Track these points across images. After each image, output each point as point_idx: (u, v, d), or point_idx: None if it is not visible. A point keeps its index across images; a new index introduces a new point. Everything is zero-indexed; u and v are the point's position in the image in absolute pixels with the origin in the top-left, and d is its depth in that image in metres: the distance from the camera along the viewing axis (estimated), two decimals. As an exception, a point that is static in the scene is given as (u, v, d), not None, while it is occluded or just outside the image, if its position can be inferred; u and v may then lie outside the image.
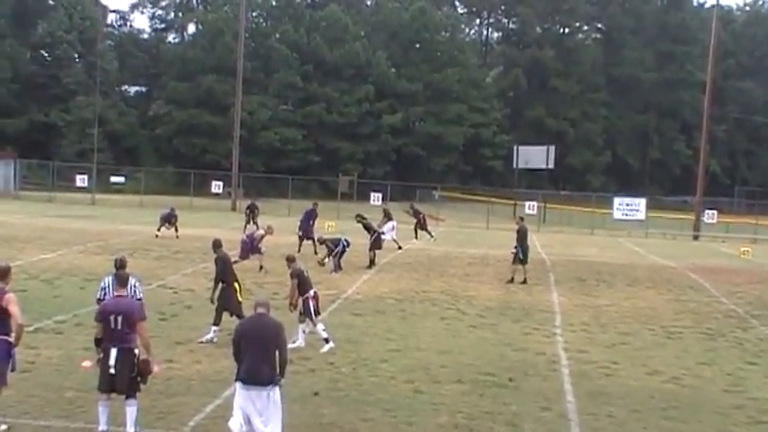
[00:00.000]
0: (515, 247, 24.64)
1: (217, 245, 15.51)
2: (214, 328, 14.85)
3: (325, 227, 36.03)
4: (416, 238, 37.79)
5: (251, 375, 9.16)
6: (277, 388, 9.31)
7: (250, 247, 24.35)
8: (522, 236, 24.83)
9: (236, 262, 23.40)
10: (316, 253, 27.89)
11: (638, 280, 27.11)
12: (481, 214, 58.46)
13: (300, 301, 14.79)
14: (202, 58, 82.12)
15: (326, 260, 25.30)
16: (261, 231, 24.98)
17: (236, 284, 14.95)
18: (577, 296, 22.51)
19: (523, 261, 24.58)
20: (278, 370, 9.37)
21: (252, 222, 37.88)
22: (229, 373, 10.45)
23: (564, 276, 26.94)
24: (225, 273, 14.93)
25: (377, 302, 19.86)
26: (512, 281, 24.29)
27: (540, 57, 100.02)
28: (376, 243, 27.23)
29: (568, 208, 66.16)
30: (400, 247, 31.83)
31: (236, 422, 9.23)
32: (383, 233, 28.68)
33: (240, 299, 14.84)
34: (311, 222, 30.10)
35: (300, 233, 29.70)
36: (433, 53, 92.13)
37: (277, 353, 9.34)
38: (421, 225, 38.27)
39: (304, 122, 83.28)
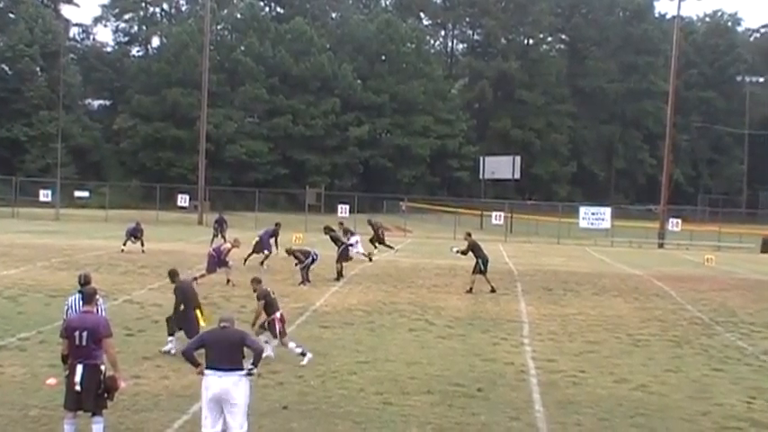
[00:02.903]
0: (476, 259, 24.81)
1: (173, 274, 15.40)
2: (170, 338, 14.84)
3: (293, 239, 35.91)
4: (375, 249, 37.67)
5: (218, 364, 9.39)
6: (245, 379, 9.49)
7: (217, 260, 24.21)
8: (475, 249, 24.95)
9: (202, 275, 23.36)
10: (261, 264, 28.10)
11: (604, 288, 27.28)
12: (448, 225, 58.64)
13: (267, 323, 14.72)
14: (167, 71, 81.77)
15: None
16: (227, 245, 24.84)
17: (198, 311, 14.74)
18: (545, 305, 22.60)
19: (483, 272, 24.72)
20: (252, 361, 9.63)
21: (220, 236, 37.73)
22: (197, 388, 10.38)
23: (531, 286, 27.04)
24: (186, 302, 14.78)
25: (345, 314, 19.82)
26: (470, 291, 24.37)
27: (506, 68, 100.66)
28: (343, 255, 27.17)
29: (535, 218, 66.56)
30: (370, 259, 31.82)
31: (206, 422, 9.34)
32: (351, 245, 28.60)
33: (203, 323, 14.49)
34: (271, 239, 29.98)
35: (255, 246, 29.45)
36: (398, 65, 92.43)
37: (245, 352, 9.55)
38: (378, 238, 38.06)
39: (270, 135, 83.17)
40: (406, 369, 14.34)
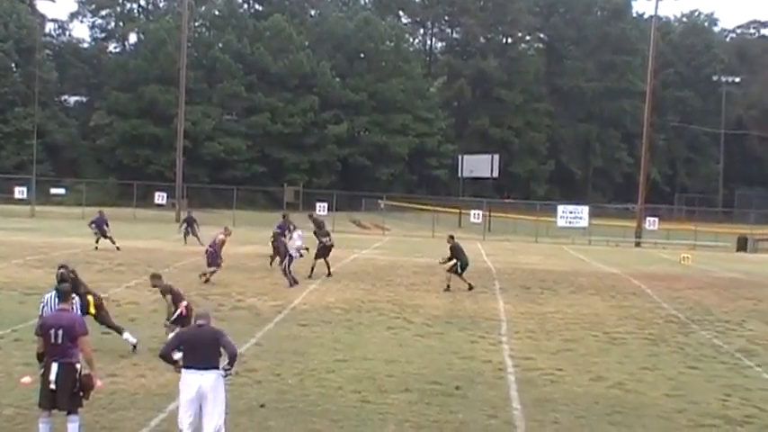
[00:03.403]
0: (452, 262, 24.86)
1: (155, 278, 15.26)
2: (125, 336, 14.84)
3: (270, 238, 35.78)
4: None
5: (196, 363, 9.34)
6: (222, 377, 9.47)
7: (216, 253, 24.04)
8: (457, 252, 24.99)
9: (212, 273, 23.36)
10: (270, 264, 27.69)
11: (581, 287, 27.41)
12: (426, 223, 58.72)
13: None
14: (145, 67, 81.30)
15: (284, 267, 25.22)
16: (221, 236, 24.52)
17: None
18: (523, 304, 22.68)
19: (459, 273, 24.75)
20: (227, 362, 9.57)
21: (192, 235, 37.61)
22: (174, 386, 10.34)
23: (509, 284, 27.13)
24: (176, 302, 14.68)
25: (324, 312, 19.81)
26: (448, 288, 24.42)
27: (484, 66, 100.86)
28: (321, 251, 27.10)
29: (513, 216, 66.74)
30: (307, 250, 32.05)
31: (184, 419, 9.31)
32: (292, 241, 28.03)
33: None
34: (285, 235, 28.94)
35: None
36: (377, 63, 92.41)
37: (222, 350, 9.51)
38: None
39: (248, 132, 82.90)
40: (385, 367, 14.34)
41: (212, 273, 23.64)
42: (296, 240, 25.83)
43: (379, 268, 28.88)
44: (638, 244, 55.29)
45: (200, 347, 9.44)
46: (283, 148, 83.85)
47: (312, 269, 26.39)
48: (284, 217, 29.40)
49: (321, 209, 55.29)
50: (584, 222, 56.06)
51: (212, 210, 56.01)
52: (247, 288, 23.06)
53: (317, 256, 26.85)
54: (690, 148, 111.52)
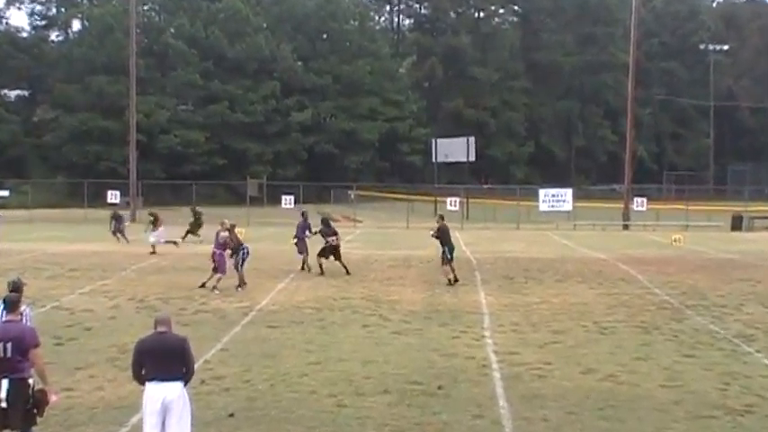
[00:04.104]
0: (442, 247, 24.86)
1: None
2: None
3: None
4: (184, 238, 37.51)
5: (159, 374, 9.20)
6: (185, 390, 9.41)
7: (223, 257, 23.48)
8: (444, 234, 25.03)
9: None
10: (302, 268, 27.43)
11: (568, 274, 27.53)
12: (401, 213, 58.75)
13: None
14: (91, 56, 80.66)
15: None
16: (224, 233, 23.92)
17: None
18: (506, 295, 22.75)
19: (450, 260, 24.76)
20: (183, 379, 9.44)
21: (119, 233, 37.52)
22: (136, 398, 10.28)
23: (491, 275, 27.20)
24: None
25: (294, 312, 19.77)
26: (456, 280, 24.46)
27: (456, 44, 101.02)
28: (326, 250, 26.97)
29: (492, 202, 66.97)
30: (153, 252, 32.15)
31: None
32: (328, 240, 27.74)
33: None
34: (306, 234, 28.61)
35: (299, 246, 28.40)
36: (341, 44, 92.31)
37: (183, 369, 9.32)
38: (191, 229, 38.36)
39: (206, 123, 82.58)
40: (361, 368, 14.34)
41: (219, 280, 23.13)
42: (158, 236, 25.91)
43: (351, 263, 28.84)
44: (626, 227, 55.62)
45: (162, 357, 9.30)
46: (244, 138, 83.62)
47: (320, 267, 26.44)
48: (303, 215, 29.18)
49: (287, 202, 55.17)
50: (568, 206, 56.28)
51: (170, 207, 55.62)
52: (210, 289, 22.93)
53: (320, 255, 26.82)
54: (677, 123, 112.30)
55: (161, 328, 9.43)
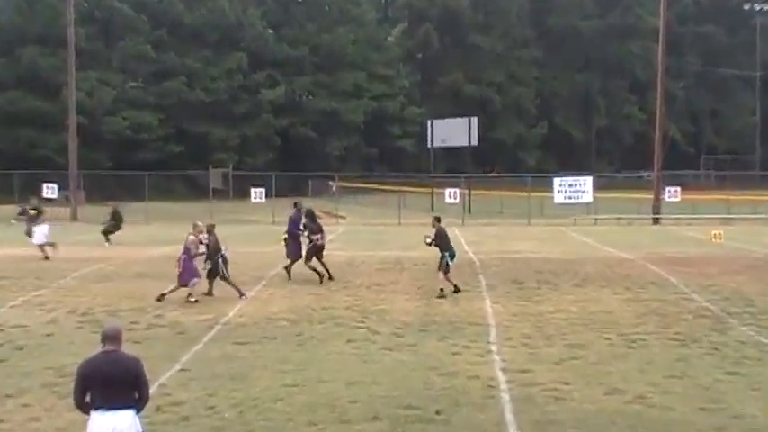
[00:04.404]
0: (441, 253, 24.64)
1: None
2: None
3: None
4: (107, 240, 37.95)
5: (107, 402, 9.06)
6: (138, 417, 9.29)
7: (191, 263, 23.33)
8: (443, 239, 24.74)
9: (194, 285, 22.84)
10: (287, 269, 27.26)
11: (588, 278, 27.53)
12: (391, 208, 58.73)
13: None
14: (21, 25, 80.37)
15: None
16: (191, 236, 23.81)
17: None
18: (515, 303, 22.74)
19: (447, 269, 24.49)
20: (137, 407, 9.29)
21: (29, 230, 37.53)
22: (78, 429, 10.22)
23: (497, 279, 27.19)
24: None
25: (266, 326, 19.73)
26: (457, 289, 24.27)
27: (454, 7, 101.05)
28: (312, 252, 26.88)
29: (498, 193, 66.97)
30: (47, 257, 32.10)
31: None
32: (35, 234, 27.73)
33: None
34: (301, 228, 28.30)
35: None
36: (319, 9, 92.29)
37: (136, 394, 9.23)
38: (109, 229, 38.55)
39: (160, 103, 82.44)
40: (346, 390, 14.31)
41: (194, 285, 23.04)
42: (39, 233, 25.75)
43: (334, 266, 28.82)
44: (656, 221, 55.71)
45: (111, 381, 9.14)
46: (205, 120, 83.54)
47: (317, 272, 26.44)
48: (295, 205, 28.82)
49: (257, 195, 55.11)
50: (588, 197, 56.32)
51: (118, 202, 55.52)
52: (167, 300, 22.88)
53: (308, 258, 26.74)
54: (717, 98, 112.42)
55: (109, 346, 9.25)
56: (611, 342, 18.09)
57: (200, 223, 24.42)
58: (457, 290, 24.25)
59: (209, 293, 23.55)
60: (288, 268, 27.15)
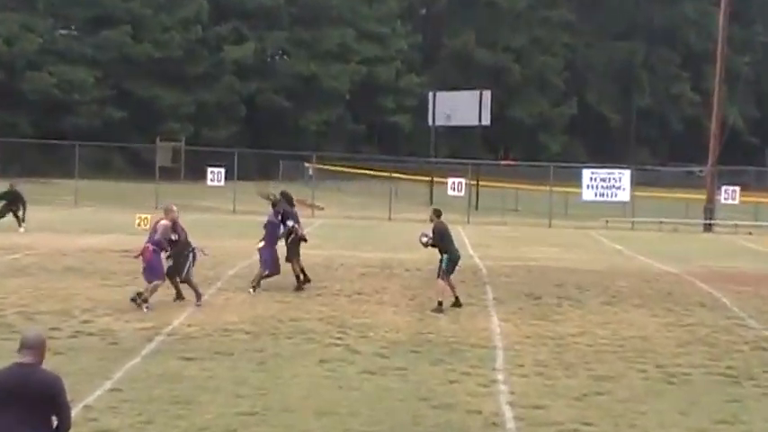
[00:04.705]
0: (441, 254, 24.57)
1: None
2: None
3: (135, 222, 35.65)
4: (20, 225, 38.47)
5: (19, 429, 8.94)
6: None
7: (158, 257, 23.14)
8: (443, 237, 24.65)
9: (155, 287, 22.58)
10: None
11: (620, 295, 27.59)
12: (380, 198, 58.75)
13: None
14: None
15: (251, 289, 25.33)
16: (164, 221, 23.42)
17: None
18: (529, 322, 22.78)
19: (448, 273, 24.43)
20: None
21: (14, 216, 37.69)
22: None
23: (508, 292, 27.23)
24: None
25: (220, 338, 19.74)
26: (458, 302, 24.24)
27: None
28: (295, 248, 26.75)
29: (513, 186, 67.07)
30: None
31: None
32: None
33: None
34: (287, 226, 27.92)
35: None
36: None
37: (54, 420, 9.15)
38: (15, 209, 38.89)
39: (97, 57, 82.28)
40: (315, 423, 14.34)
41: (155, 288, 22.84)
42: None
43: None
44: (708, 227, 55.82)
45: (23, 401, 9.04)
46: (153, 81, 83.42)
47: (299, 278, 26.39)
48: (274, 205, 27.70)
49: (215, 177, 55.03)
50: (625, 195, 56.38)
51: (42, 179, 55.60)
52: (99, 301, 22.88)
53: (292, 256, 26.61)
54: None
55: (26, 358, 9.12)
56: (646, 375, 18.13)
57: (174, 207, 24.24)
58: (457, 303, 24.24)
59: (180, 297, 23.43)
60: (303, 280, 26.85)
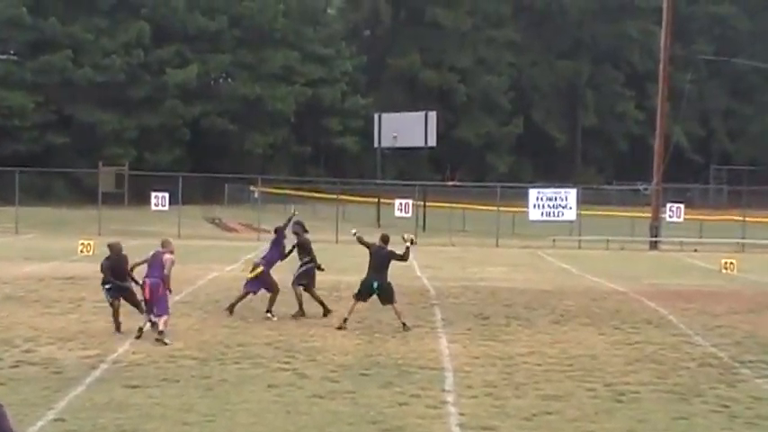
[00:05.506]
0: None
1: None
2: None
3: (77, 248, 35.44)
4: None
5: None
6: None
7: (165, 290, 22.83)
8: (378, 258, 24.74)
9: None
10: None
11: (568, 313, 27.70)
12: (327, 222, 58.66)
13: None
14: None
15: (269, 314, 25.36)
16: (167, 255, 23.14)
17: None
18: (478, 342, 22.82)
19: (383, 297, 24.54)
20: None
21: None
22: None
23: (457, 312, 27.27)
24: None
25: (166, 365, 19.64)
26: (343, 324, 24.27)
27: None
28: (306, 275, 26.59)
29: (461, 206, 67.12)
30: None
31: None
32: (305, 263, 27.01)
33: None
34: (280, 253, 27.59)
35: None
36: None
37: None
38: None
39: (37, 82, 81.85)
40: (264, 449, 14.30)
41: (165, 323, 22.54)
42: None
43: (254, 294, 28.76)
44: (654, 245, 56.12)
45: None
46: (95, 106, 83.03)
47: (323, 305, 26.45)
48: (276, 231, 27.71)
49: (159, 202, 54.74)
50: (571, 213, 56.59)
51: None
52: (41, 329, 22.73)
53: (309, 286, 26.51)
54: (734, 95, 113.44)
55: None
56: (595, 394, 18.20)
57: (171, 239, 24.15)
58: (343, 325, 24.36)
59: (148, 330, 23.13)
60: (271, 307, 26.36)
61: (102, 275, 23.39)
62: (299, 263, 26.91)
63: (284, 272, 27.75)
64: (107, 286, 23.21)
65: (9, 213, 53.67)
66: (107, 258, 23.29)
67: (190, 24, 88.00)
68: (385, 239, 25.32)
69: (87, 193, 66.62)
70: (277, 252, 26.98)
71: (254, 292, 26.58)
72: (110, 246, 23.66)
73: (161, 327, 22.05)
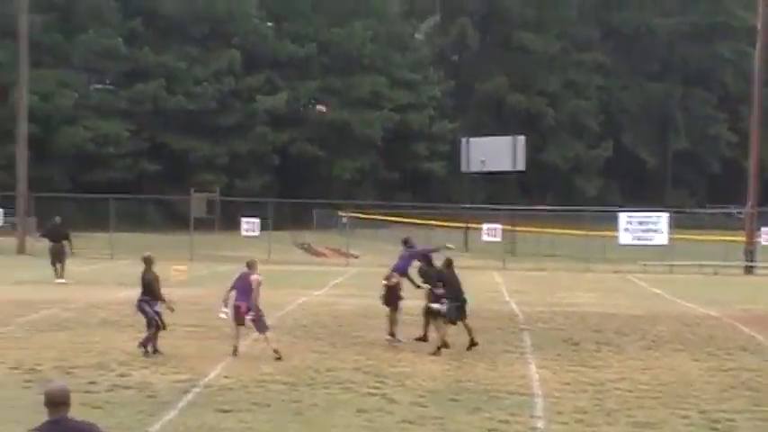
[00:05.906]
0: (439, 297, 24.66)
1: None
2: None
3: (170, 274, 35.76)
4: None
5: None
6: None
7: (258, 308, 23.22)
8: (452, 284, 24.72)
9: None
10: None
11: (661, 339, 27.45)
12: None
13: None
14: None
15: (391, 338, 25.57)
16: (255, 276, 23.35)
17: None
18: (568, 368, 22.68)
19: (456, 318, 24.51)
20: None
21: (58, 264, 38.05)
22: None
23: (546, 338, 27.12)
24: None
25: (256, 390, 19.71)
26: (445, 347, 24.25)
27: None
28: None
29: (550, 231, 66.85)
30: None
31: None
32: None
33: None
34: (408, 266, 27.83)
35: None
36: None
37: None
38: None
39: (131, 110, 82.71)
40: (354, 474, 14.30)
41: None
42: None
43: (341, 318, 28.86)
44: (749, 269, 55.45)
45: None
46: (187, 133, 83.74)
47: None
48: (405, 243, 27.91)
49: (249, 227, 55.09)
50: (663, 238, 56.15)
51: (77, 233, 55.63)
52: (134, 355, 22.91)
53: (455, 320, 26.25)
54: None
55: (55, 415, 9.02)
56: (689, 421, 18.00)
57: (257, 260, 24.41)
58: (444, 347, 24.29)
59: (155, 351, 23.30)
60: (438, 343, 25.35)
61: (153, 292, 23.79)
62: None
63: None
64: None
65: (104, 240, 54.31)
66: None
67: (279, 51, 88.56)
68: (449, 263, 25.34)
69: (179, 218, 67.22)
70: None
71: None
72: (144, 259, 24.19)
73: (273, 345, 22.82)
